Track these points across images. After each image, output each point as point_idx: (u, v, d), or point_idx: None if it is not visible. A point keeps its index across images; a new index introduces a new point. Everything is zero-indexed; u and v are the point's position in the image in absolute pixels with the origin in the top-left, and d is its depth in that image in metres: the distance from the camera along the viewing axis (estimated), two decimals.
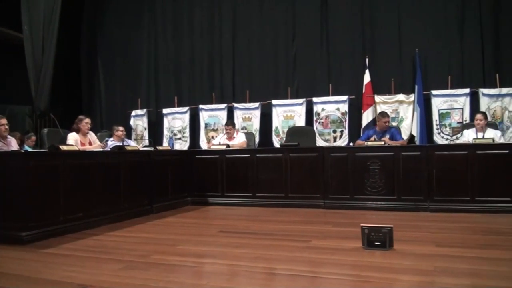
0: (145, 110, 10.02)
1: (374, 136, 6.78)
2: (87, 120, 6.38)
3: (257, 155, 6.78)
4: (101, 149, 6.23)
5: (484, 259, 3.41)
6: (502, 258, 3.45)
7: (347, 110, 8.40)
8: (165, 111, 9.83)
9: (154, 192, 6.19)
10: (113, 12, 10.76)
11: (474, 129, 6.44)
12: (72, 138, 6.16)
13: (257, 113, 8.98)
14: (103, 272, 3.21)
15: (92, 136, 6.56)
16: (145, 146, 8.03)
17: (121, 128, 7.08)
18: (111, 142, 6.73)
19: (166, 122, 9.80)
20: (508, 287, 2.79)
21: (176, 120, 9.69)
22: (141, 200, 5.95)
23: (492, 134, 6.22)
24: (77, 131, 6.30)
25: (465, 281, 2.93)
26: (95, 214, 5.07)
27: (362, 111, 8.23)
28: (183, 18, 10.01)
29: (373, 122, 7.68)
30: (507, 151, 5.63)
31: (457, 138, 7.31)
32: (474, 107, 7.62)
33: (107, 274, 3.15)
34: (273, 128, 8.84)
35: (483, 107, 7.53)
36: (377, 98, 8.17)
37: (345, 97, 8.41)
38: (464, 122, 7.53)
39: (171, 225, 5.32)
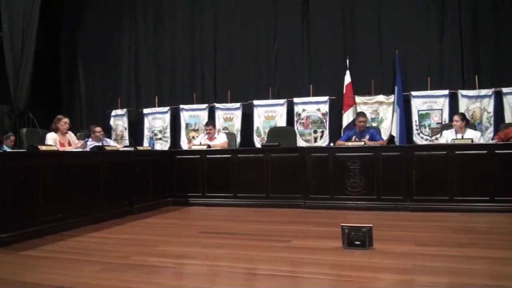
0: (125, 110, 9.94)
1: (354, 137, 6.83)
2: (66, 119, 6.30)
3: (238, 155, 6.76)
4: (81, 149, 6.15)
5: (462, 258, 3.45)
6: (480, 256, 3.49)
7: (327, 110, 8.44)
8: (145, 111, 9.75)
9: (134, 192, 6.13)
10: (94, 10, 10.64)
11: (453, 129, 6.52)
12: (51, 138, 6.07)
13: (239, 113, 8.97)
14: (82, 274, 3.17)
15: (71, 136, 6.48)
16: (125, 146, 7.94)
17: (98, 128, 7.00)
18: (90, 143, 6.66)
19: (146, 122, 9.72)
20: (486, 284, 2.82)
21: (156, 120, 9.63)
22: (121, 200, 5.89)
23: (472, 135, 6.31)
24: (56, 130, 6.22)
25: (443, 279, 2.97)
26: (75, 215, 5.00)
27: (343, 111, 8.28)
28: (164, 18, 9.95)
29: (354, 122, 7.72)
30: (485, 152, 5.71)
31: (437, 139, 7.39)
32: (453, 108, 7.72)
33: (87, 276, 3.11)
34: (255, 128, 8.84)
35: (462, 108, 7.63)
36: (358, 99, 8.22)
37: (325, 98, 8.45)
38: (444, 123, 7.62)
39: (151, 226, 5.26)
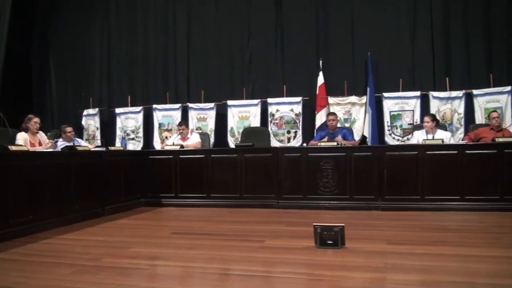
0: (97, 109, 9.79)
1: (327, 137, 6.87)
2: (36, 119, 6.18)
3: (212, 155, 6.73)
4: (51, 150, 6.04)
5: (433, 255, 3.50)
6: (451, 254, 3.54)
7: (301, 111, 8.48)
8: (118, 110, 9.63)
9: (106, 193, 6.03)
10: (66, 8, 10.42)
11: (424, 130, 6.62)
12: (21, 138, 5.95)
13: (212, 113, 8.94)
14: (53, 277, 3.10)
15: (42, 136, 6.36)
16: (97, 147, 7.84)
17: (69, 128, 6.89)
18: (61, 143, 6.55)
19: (119, 121, 9.60)
20: (456, 281, 2.86)
21: (129, 120, 9.51)
22: (93, 202, 5.79)
23: (442, 135, 6.42)
24: (26, 130, 6.10)
25: (415, 277, 3.00)
26: (46, 217, 4.89)
27: (316, 112, 8.32)
28: (137, 17, 9.85)
29: (326, 123, 7.75)
30: (456, 152, 5.82)
31: (408, 139, 7.50)
32: (425, 109, 7.85)
33: (58, 279, 3.05)
34: (228, 128, 8.82)
35: (433, 109, 7.75)
36: (330, 100, 8.28)
37: (299, 99, 8.48)
38: (415, 124, 7.74)
39: (123, 227, 5.19)
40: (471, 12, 7.94)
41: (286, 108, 8.56)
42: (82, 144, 6.92)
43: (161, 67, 9.65)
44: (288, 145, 8.36)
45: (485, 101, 7.66)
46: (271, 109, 8.62)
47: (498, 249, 3.68)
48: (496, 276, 2.97)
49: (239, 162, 6.52)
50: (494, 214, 5.37)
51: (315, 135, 7.63)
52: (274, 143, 8.34)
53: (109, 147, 7.08)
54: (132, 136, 9.46)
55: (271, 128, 8.54)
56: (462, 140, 7.02)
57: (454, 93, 7.79)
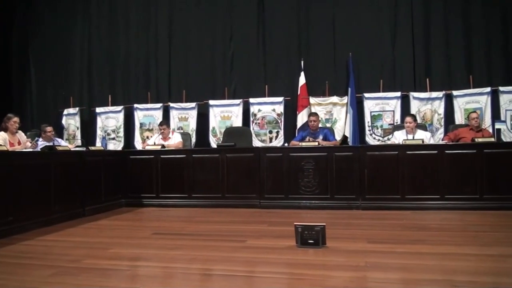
0: (77, 108, 9.68)
1: (308, 137, 6.89)
2: (16, 119, 6.09)
3: (193, 155, 6.70)
4: (31, 150, 5.96)
5: (413, 254, 3.54)
6: (431, 252, 3.58)
7: (282, 111, 8.49)
8: (98, 110, 9.52)
9: (87, 194, 5.97)
10: (47, 6, 10.30)
11: (404, 130, 6.68)
12: (1, 138, 5.86)
13: (194, 113, 8.90)
14: (33, 278, 3.06)
15: (21, 135, 6.27)
16: (77, 146, 7.76)
17: (49, 128, 6.82)
18: (41, 142, 6.47)
19: (99, 121, 9.50)
20: (436, 279, 2.89)
21: (109, 120, 9.42)
22: (73, 202, 5.72)
23: (422, 136, 6.49)
24: (5, 130, 6.01)
25: (395, 276, 3.03)
26: (25, 218, 4.82)
27: (297, 112, 8.34)
28: (118, 15, 9.77)
29: (307, 123, 7.78)
30: (436, 152, 5.89)
31: (388, 139, 7.56)
32: (405, 109, 7.93)
33: (38, 281, 3.01)
34: (210, 128, 8.79)
35: (413, 110, 7.83)
36: (312, 100, 8.31)
37: (280, 99, 8.50)
38: (395, 124, 7.80)
39: (104, 228, 5.14)
40: (451, 14, 8.06)
41: (268, 108, 8.57)
42: (62, 144, 6.84)
43: (142, 66, 9.58)
44: (270, 145, 8.37)
45: (465, 102, 7.77)
46: (253, 109, 8.62)
47: (477, 247, 3.72)
48: (475, 273, 3.01)
49: (221, 162, 6.50)
50: (474, 213, 5.45)
51: (296, 135, 7.66)
52: (256, 143, 8.34)
53: (90, 147, 7.03)
54: (112, 136, 9.38)
55: (253, 128, 8.54)
56: (442, 140, 7.11)
57: (434, 94, 7.89)
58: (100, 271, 3.26)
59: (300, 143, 6.60)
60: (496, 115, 7.56)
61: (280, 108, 8.50)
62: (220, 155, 6.55)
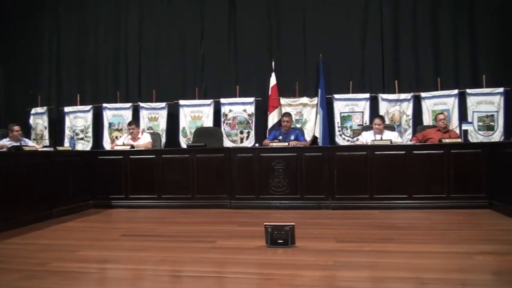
0: (45, 108, 9.47)
1: (280, 137, 6.92)
2: None
3: (163, 155, 6.64)
4: None
5: (381, 252, 3.59)
6: (399, 251, 3.65)
7: (253, 111, 8.51)
8: (66, 109, 9.34)
9: (54, 195, 5.84)
10: (14, 5, 10.06)
11: (372, 131, 6.77)
12: None
13: (164, 113, 8.83)
14: (0, 283, 3.00)
15: None
16: (45, 147, 7.63)
17: (16, 127, 6.69)
18: (7, 142, 6.33)
19: (67, 121, 9.32)
20: (404, 277, 2.94)
21: (78, 119, 9.26)
22: (40, 204, 5.59)
23: (390, 136, 6.59)
24: None
25: (363, 274, 3.06)
26: None
27: (268, 112, 8.35)
28: (88, 13, 9.62)
29: (279, 123, 7.81)
30: (404, 152, 5.98)
31: (358, 140, 7.63)
32: (374, 111, 8.05)
33: (5, 285, 2.95)
34: (181, 128, 8.73)
35: (382, 111, 7.95)
36: (283, 101, 8.35)
37: (251, 99, 8.51)
38: (364, 125, 7.90)
39: (72, 230, 5.05)
40: (419, 17, 8.22)
41: (239, 108, 8.57)
42: (30, 144, 6.72)
43: (111, 65, 9.46)
44: (241, 145, 8.36)
45: (433, 103, 7.93)
46: (224, 109, 8.61)
47: (444, 245, 3.80)
48: (443, 271, 3.08)
49: (191, 163, 6.47)
50: (441, 211, 5.55)
51: (268, 135, 7.69)
52: (227, 143, 8.33)
53: (58, 147, 6.90)
54: (81, 136, 9.23)
55: (224, 128, 8.53)
56: (410, 141, 7.23)
57: (403, 96, 8.03)
58: (68, 274, 3.21)
59: (270, 144, 6.62)
60: (463, 117, 7.73)
61: (251, 109, 8.51)
62: (190, 155, 6.51)
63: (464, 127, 7.08)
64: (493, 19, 7.94)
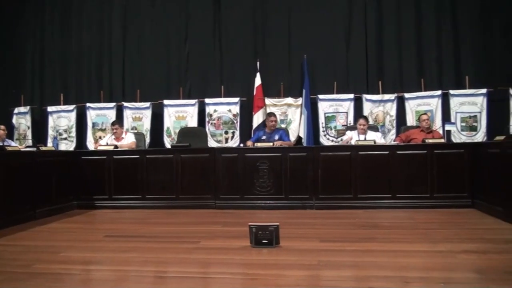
0: (28, 107, 9.36)
1: (264, 137, 6.93)
2: None
3: (147, 156, 6.59)
4: None
5: (365, 252, 3.61)
6: (382, 250, 3.67)
7: (238, 111, 8.50)
8: (50, 109, 9.23)
9: (37, 196, 5.76)
10: None
11: (356, 131, 6.81)
12: None
13: (148, 113, 8.78)
14: None
15: None
16: (28, 147, 7.53)
17: (2, 126, 6.60)
18: None
19: (51, 120, 9.21)
20: (387, 276, 2.96)
21: (61, 119, 9.15)
22: (23, 205, 5.50)
23: (374, 136, 6.63)
24: None
25: (347, 273, 3.08)
26: None
27: (253, 113, 8.36)
28: (72, 12, 9.52)
29: (264, 123, 7.82)
30: (387, 152, 6.03)
31: (342, 140, 7.67)
32: (358, 111, 8.10)
33: None
34: (165, 128, 8.69)
35: (366, 112, 8.01)
36: (267, 101, 8.36)
37: (236, 99, 8.50)
38: (348, 125, 7.95)
39: (55, 231, 4.99)
40: (403, 19, 8.31)
41: (224, 108, 8.55)
42: (12, 144, 6.64)
43: (95, 65, 9.38)
44: (226, 145, 8.35)
45: (416, 104, 8.00)
46: (208, 109, 8.59)
47: (427, 244, 3.83)
48: (425, 269, 3.11)
49: (175, 163, 6.44)
50: (424, 211, 5.61)
51: (252, 135, 7.68)
52: (212, 143, 8.31)
53: (41, 148, 6.80)
54: (64, 136, 9.13)
55: (209, 128, 8.51)
56: (394, 141, 7.30)
57: (387, 96, 8.09)
58: (52, 275, 3.17)
59: (255, 144, 6.62)
60: (446, 117, 7.82)
61: (236, 109, 8.50)
62: (175, 155, 6.48)
63: (447, 127, 7.16)
64: (476, 21, 8.05)
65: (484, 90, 7.73)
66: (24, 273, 3.24)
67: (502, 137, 5.52)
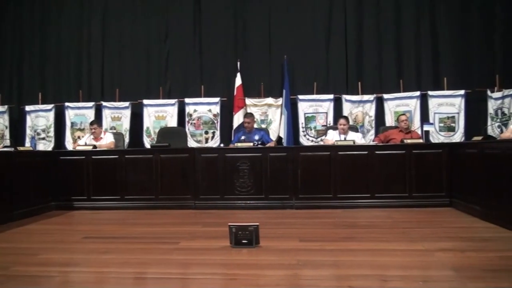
0: (6, 106, 9.18)
1: (244, 137, 6.93)
2: None
3: (126, 156, 6.53)
4: None
5: (343, 251, 3.64)
6: (360, 249, 3.70)
7: (219, 111, 8.48)
8: (28, 108, 9.06)
9: (15, 197, 5.65)
10: None
11: (337, 131, 6.85)
12: None
13: (127, 112, 8.71)
14: None
15: None
16: (5, 147, 7.41)
17: None
18: None
19: (29, 120, 9.05)
20: (367, 274, 2.99)
21: (40, 118, 9.01)
22: (0, 206, 5.41)
23: (354, 137, 6.68)
24: None
25: (326, 272, 3.10)
26: None
27: (233, 113, 8.35)
28: (51, 10, 9.38)
29: (243, 124, 7.82)
30: (366, 152, 6.08)
31: (322, 140, 7.72)
32: (338, 111, 8.15)
33: None
34: (144, 128, 8.63)
35: (345, 112, 8.06)
36: (248, 101, 8.36)
37: (217, 99, 8.48)
38: (328, 125, 7.99)
39: (33, 233, 4.91)
40: (383, 20, 8.39)
41: (204, 108, 8.52)
42: None
43: (74, 63, 9.25)
44: (206, 145, 8.32)
45: (395, 105, 8.08)
46: (188, 109, 8.55)
47: (406, 243, 3.88)
48: (404, 268, 3.15)
49: (155, 163, 6.40)
50: (402, 210, 5.69)
51: (232, 135, 7.68)
52: (192, 143, 8.28)
53: (18, 148, 6.72)
54: (42, 135, 9.00)
55: (189, 128, 8.47)
56: (373, 141, 7.37)
57: (366, 97, 8.16)
58: (29, 278, 3.13)
59: (236, 144, 6.62)
60: (425, 118, 7.90)
61: (216, 109, 8.48)
62: (154, 155, 6.44)
63: (426, 128, 7.25)
64: (454, 23, 8.17)
65: (462, 92, 7.84)
66: (1, 275, 3.18)
67: (479, 138, 5.62)
